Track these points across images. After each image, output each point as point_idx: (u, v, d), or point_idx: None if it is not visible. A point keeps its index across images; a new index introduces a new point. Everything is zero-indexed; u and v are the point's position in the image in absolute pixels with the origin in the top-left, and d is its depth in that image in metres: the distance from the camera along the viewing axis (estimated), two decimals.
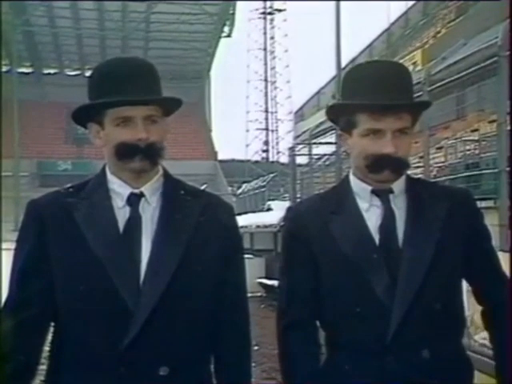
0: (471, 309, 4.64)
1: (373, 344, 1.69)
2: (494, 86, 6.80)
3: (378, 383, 1.68)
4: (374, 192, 1.77)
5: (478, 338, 4.88)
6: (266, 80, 51.64)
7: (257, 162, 46.92)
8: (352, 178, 1.82)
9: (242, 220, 12.18)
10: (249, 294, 1.90)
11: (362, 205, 1.78)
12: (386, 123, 1.69)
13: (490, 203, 7.43)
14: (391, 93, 1.69)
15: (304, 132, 16.93)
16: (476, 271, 1.81)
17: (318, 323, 1.85)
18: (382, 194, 1.77)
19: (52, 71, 43.11)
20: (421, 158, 8.71)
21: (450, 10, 23.19)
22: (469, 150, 11.48)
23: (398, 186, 1.78)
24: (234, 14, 39.23)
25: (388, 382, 1.67)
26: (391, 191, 1.77)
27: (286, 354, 1.83)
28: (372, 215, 1.76)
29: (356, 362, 1.72)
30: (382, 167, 1.71)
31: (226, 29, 40.29)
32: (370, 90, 1.70)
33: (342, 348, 1.77)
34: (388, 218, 1.75)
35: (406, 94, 1.74)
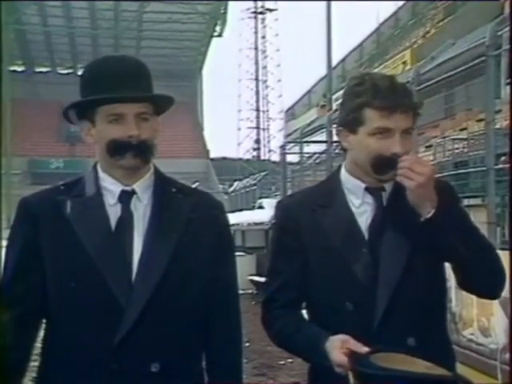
0: (459, 304, 4.68)
1: (360, 335, 1.68)
2: (482, 85, 6.83)
3: None
4: (367, 189, 1.78)
5: (466, 333, 4.90)
6: (257, 79, 51.52)
7: (248, 160, 46.78)
8: (344, 174, 1.83)
9: (233, 218, 12.16)
10: (240, 291, 1.92)
11: (354, 201, 1.79)
12: (395, 122, 1.69)
13: (478, 201, 7.49)
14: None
15: (295, 130, 16.98)
16: None
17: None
18: (375, 191, 1.78)
19: (44, 70, 42.91)
20: None
21: (438, 11, 23.27)
22: (457, 149, 11.55)
23: (389, 184, 1.78)
24: (225, 13, 39.13)
25: None
26: (383, 189, 1.78)
27: (274, 329, 1.81)
28: (363, 212, 1.77)
29: None
30: (389, 168, 1.70)
31: (218, 28, 40.19)
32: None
33: None
34: (379, 215, 1.76)
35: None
